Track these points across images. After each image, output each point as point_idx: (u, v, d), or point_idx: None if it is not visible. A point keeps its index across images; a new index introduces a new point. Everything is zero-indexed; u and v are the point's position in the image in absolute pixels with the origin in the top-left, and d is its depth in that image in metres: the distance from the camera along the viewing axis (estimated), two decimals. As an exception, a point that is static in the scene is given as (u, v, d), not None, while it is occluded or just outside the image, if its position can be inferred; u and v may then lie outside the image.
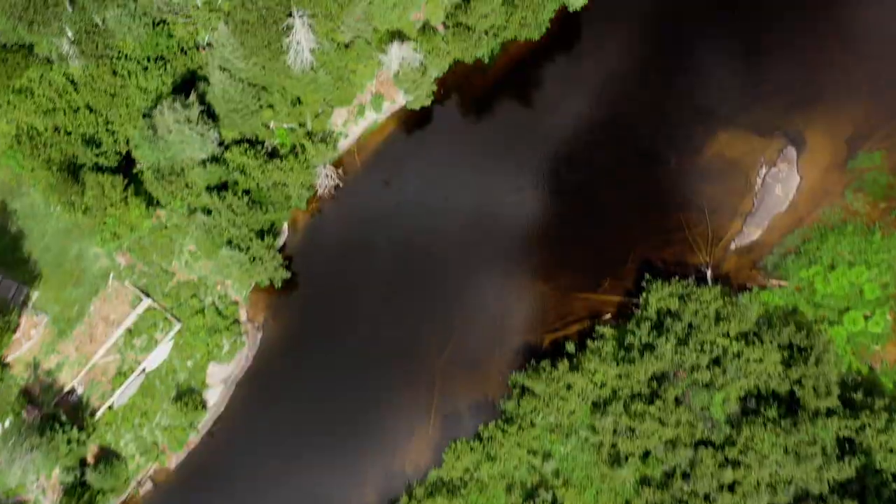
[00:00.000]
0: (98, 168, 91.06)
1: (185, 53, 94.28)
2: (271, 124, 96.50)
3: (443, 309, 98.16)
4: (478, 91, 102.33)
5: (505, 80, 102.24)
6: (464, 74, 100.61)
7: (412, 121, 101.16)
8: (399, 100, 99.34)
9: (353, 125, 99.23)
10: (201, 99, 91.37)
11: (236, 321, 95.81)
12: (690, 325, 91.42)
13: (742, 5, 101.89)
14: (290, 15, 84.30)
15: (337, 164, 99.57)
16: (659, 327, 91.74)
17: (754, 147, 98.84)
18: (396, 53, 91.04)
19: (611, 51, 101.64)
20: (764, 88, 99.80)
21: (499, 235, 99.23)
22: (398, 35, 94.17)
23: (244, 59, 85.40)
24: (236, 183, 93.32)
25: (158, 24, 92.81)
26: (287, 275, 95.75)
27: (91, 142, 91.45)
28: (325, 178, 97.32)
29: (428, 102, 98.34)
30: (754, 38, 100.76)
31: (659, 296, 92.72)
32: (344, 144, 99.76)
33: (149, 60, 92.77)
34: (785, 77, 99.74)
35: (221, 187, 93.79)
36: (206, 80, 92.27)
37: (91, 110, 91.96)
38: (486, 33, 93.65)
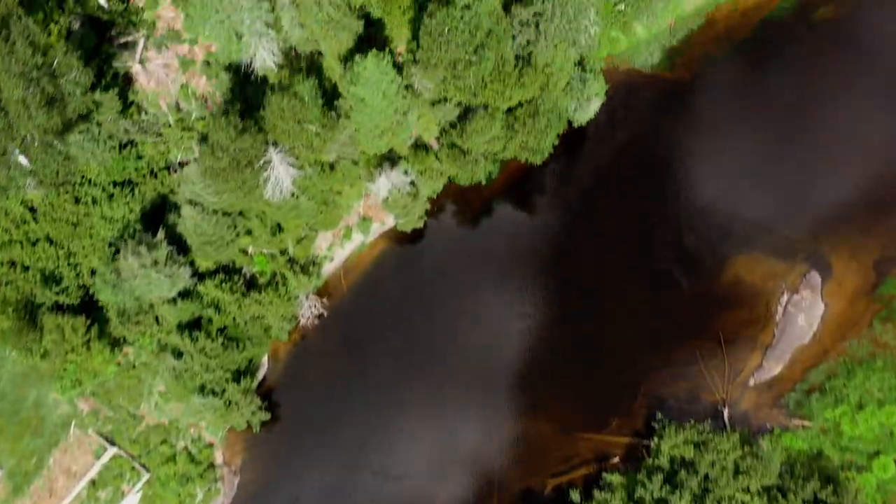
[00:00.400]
0: (58, 307, 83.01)
1: (156, 176, 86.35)
2: (250, 249, 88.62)
3: (437, 446, 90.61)
4: (475, 208, 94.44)
5: (504, 196, 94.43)
6: (459, 191, 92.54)
7: (403, 240, 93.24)
8: (389, 221, 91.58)
9: (338, 248, 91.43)
10: (172, 231, 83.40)
11: (211, 465, 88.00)
12: (707, 478, 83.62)
13: (759, 118, 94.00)
14: (266, 150, 76.35)
15: (322, 289, 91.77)
16: (672, 479, 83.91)
17: (775, 272, 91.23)
18: (385, 183, 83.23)
19: (618, 165, 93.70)
20: (785, 207, 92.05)
21: (497, 366, 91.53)
22: (387, 157, 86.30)
23: (216, 194, 77.49)
24: (210, 321, 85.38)
25: (126, 145, 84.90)
26: (266, 416, 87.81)
27: (50, 278, 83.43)
28: (309, 308, 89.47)
29: (420, 224, 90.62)
30: (774, 152, 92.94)
31: (672, 443, 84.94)
32: (329, 268, 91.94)
33: (115, 186, 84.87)
34: (808, 196, 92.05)
35: (194, 324, 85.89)
36: (176, 207, 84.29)
37: (51, 242, 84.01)
38: (484, 156, 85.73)
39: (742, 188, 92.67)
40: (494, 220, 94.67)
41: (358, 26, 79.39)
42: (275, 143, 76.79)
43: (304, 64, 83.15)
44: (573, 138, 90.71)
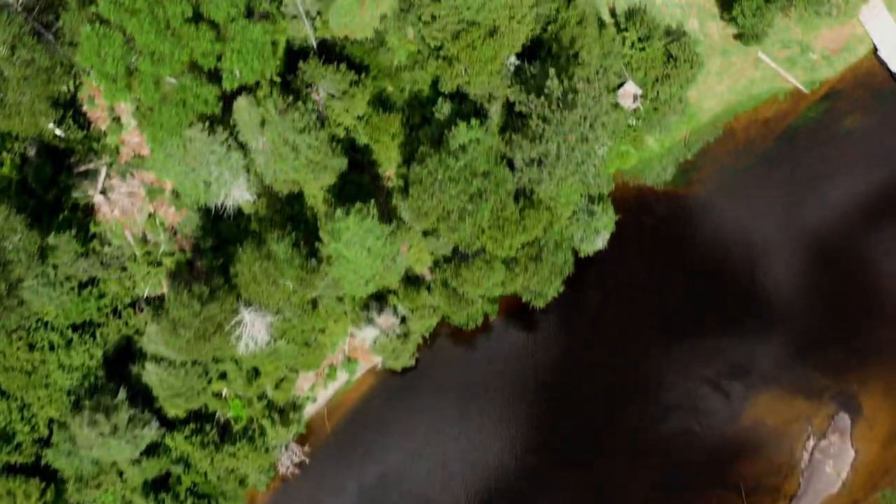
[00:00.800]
0: (9, 468, 75.15)
1: (119, 316, 78.45)
2: (224, 391, 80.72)
3: None
4: (472, 336, 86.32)
5: (503, 324, 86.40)
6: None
7: (393, 374, 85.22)
8: (377, 359, 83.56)
9: (322, 389, 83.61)
10: (137, 380, 75.61)
11: None
12: None
13: (782, 238, 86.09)
14: (238, 309, 68.48)
15: (303, 434, 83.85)
16: None
17: (800, 413, 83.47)
18: (372, 331, 75.36)
19: (627, 292, 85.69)
20: (811, 341, 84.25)
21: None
22: (375, 294, 78.39)
23: (182, 354, 69.67)
24: (179, 479, 77.50)
25: (86, 285, 76.93)
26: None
27: (2, 436, 75.46)
28: (289, 457, 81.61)
29: (412, 362, 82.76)
30: (798, 278, 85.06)
31: None
32: (312, 409, 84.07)
33: (74, 329, 76.98)
34: (835, 328, 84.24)
35: (162, 480, 78.09)
36: (142, 353, 76.48)
37: (3, 394, 76.11)
38: (483, 298, 77.90)
39: (763, 318, 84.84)
40: (493, 350, 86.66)
41: (342, 163, 71.63)
42: (248, 301, 68.76)
43: (281, 196, 75.39)
44: (579, 261, 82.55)
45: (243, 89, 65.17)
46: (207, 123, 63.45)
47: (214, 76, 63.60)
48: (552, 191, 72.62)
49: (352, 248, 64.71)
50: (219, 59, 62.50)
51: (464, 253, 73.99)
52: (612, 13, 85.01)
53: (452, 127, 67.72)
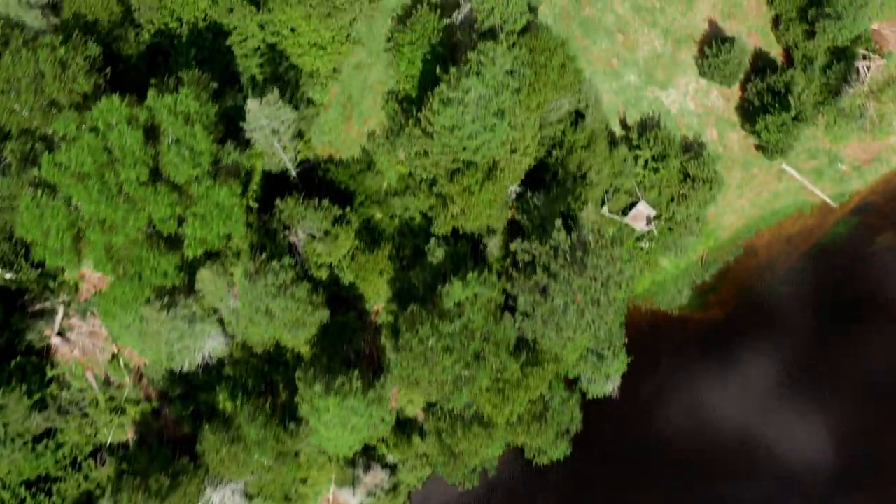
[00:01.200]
0: None
1: (79, 468, 71.13)
2: (196, 547, 73.22)
3: None
4: (469, 476, 79.09)
5: (505, 462, 78.94)
6: (450, 462, 77.17)
7: (384, 517, 77.88)
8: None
9: (304, 540, 76.02)
10: (96, 547, 68.25)
11: None
12: None
13: (811, 366, 78.71)
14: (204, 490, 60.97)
15: (284, 587, 76.41)
16: None
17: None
18: (357, 497, 67.92)
19: (639, 432, 78.12)
20: (836, 489, 76.72)
21: None
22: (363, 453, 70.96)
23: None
24: None
25: (41, 437, 69.57)
26: None
27: None
28: None
29: (403, 508, 75.46)
30: (825, 419, 77.52)
31: None
32: (293, 560, 76.55)
33: (28, 486, 69.56)
34: (866, 475, 76.74)
35: None
36: (104, 514, 68.99)
37: (-53, 562, 68.72)
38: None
39: (786, 466, 77.21)
40: (491, 491, 79.14)
41: (323, 316, 64.02)
42: (216, 478, 61.29)
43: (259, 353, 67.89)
44: (588, 412, 74.98)
45: (209, 255, 57.56)
46: (167, 296, 55.88)
47: (175, 241, 55.95)
48: (558, 347, 65.03)
49: (333, 429, 57.25)
50: (180, 222, 54.88)
51: (460, 414, 66.45)
52: (624, 124, 77.67)
53: (446, 283, 60.10)
